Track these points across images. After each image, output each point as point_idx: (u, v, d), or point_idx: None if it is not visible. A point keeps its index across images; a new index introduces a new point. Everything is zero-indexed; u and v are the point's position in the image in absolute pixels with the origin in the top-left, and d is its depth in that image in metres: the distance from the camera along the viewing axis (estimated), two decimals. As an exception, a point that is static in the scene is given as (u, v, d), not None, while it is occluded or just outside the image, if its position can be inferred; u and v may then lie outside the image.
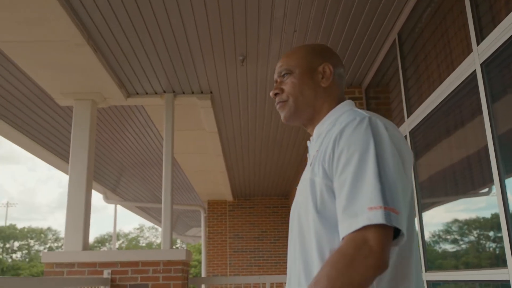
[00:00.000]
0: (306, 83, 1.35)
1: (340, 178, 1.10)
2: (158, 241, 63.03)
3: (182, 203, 12.16)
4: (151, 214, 13.99)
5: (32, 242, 52.40)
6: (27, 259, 49.66)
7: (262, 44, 4.07)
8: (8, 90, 4.91)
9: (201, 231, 11.78)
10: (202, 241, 11.53)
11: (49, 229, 56.90)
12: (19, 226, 56.22)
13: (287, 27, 3.80)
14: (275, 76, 1.42)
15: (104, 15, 3.54)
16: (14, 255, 50.72)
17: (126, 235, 57.44)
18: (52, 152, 7.04)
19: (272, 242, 11.12)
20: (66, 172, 7.95)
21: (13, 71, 4.50)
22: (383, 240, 1.00)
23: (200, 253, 15.05)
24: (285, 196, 11.37)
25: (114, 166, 8.25)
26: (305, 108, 1.35)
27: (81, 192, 4.52)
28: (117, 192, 10.43)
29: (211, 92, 5.04)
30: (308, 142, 1.39)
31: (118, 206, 12.24)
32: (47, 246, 52.65)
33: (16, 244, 51.20)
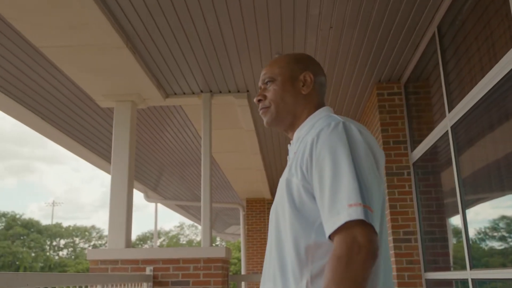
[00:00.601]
0: (287, 91, 1.43)
1: (320, 180, 1.17)
2: (198, 238, 63.80)
3: (221, 201, 12.27)
4: (191, 212, 14.18)
5: (77, 240, 54.04)
6: (72, 256, 51.25)
7: (297, 41, 4.06)
8: (52, 93, 5.07)
9: (240, 229, 11.85)
10: (242, 239, 11.60)
11: (93, 227, 58.52)
12: (65, 224, 58.05)
13: (322, 24, 3.77)
14: (260, 83, 1.50)
15: (142, 18, 3.61)
16: (60, 253, 52.46)
17: (167, 233, 58.50)
18: (95, 152, 7.24)
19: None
20: (108, 172, 8.16)
21: (56, 75, 4.65)
22: (368, 233, 1.08)
23: (239, 250, 15.13)
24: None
25: (154, 166, 8.40)
26: (285, 114, 1.43)
27: (123, 191, 4.63)
28: (158, 191, 10.62)
29: (247, 91, 5.06)
30: (288, 145, 1.47)
31: (159, 205, 12.46)
32: (91, 243, 54.19)
33: (62, 242, 52.95)
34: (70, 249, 53.24)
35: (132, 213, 4.73)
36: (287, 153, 1.96)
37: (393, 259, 4.49)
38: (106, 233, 53.81)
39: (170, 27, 3.76)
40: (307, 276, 1.18)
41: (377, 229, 1.11)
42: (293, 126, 1.44)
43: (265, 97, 1.46)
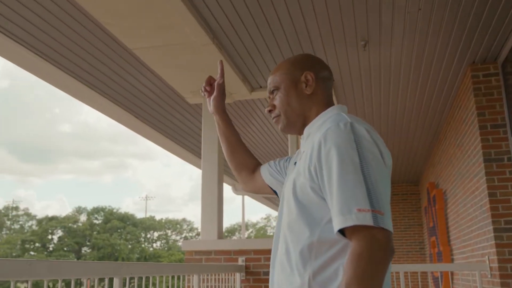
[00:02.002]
0: (291, 95, 1.47)
1: (329, 181, 1.20)
2: (285, 230, 64.09)
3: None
4: (278, 203, 14.29)
5: (169, 232, 56.53)
6: (165, 248, 53.72)
7: (384, 27, 3.93)
8: (144, 93, 5.33)
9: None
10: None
11: (183, 219, 60.88)
12: (157, 217, 60.90)
13: (410, 6, 3.62)
14: (267, 93, 1.56)
15: (227, 14, 3.68)
16: (154, 244, 55.15)
17: (254, 224, 59.54)
18: (184, 147, 7.52)
19: (403, 230, 10.75)
20: (197, 166, 8.44)
21: (147, 75, 4.87)
22: (386, 233, 1.13)
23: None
24: (415, 183, 10.91)
25: (241, 159, 8.54)
26: (296, 118, 1.47)
27: (214, 184, 4.77)
28: (245, 183, 10.79)
29: (333, 81, 4.98)
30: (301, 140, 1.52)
31: (246, 197, 12.69)
32: (183, 235, 56.47)
33: (156, 234, 55.63)
34: (163, 241, 55.82)
35: (223, 206, 4.86)
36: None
37: (493, 249, 4.25)
38: (196, 225, 55.78)
39: (254, 21, 3.80)
40: (310, 271, 1.22)
41: (391, 227, 1.16)
42: (305, 126, 1.47)
43: (274, 106, 1.50)
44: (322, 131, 1.29)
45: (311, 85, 1.46)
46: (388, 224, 1.15)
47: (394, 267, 4.67)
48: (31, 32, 3.90)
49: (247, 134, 7.06)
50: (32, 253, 46.79)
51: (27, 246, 47.92)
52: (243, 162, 1.77)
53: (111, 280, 2.08)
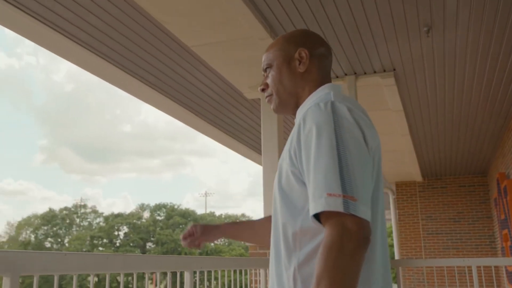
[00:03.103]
0: (284, 73, 1.37)
1: (306, 163, 1.13)
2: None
3: (368, 186, 11.98)
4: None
5: (229, 227, 57.23)
6: (226, 243, 54.50)
7: (449, 11, 3.76)
8: (202, 90, 5.39)
9: (391, 214, 11.50)
10: (393, 224, 11.24)
11: (243, 215, 61.52)
12: (217, 213, 61.85)
13: (477, -14, 3.44)
14: (262, 72, 1.46)
15: (284, 6, 3.64)
16: (215, 240, 56.07)
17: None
18: (243, 143, 7.55)
19: (470, 223, 10.32)
20: (256, 161, 8.47)
21: (204, 72, 4.92)
22: (358, 220, 1.05)
23: (388, 236, 14.72)
24: (483, 173, 10.43)
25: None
26: (288, 97, 1.38)
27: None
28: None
29: (394, 69, 4.84)
30: None
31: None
32: (243, 231, 56.94)
33: (216, 229, 56.52)
34: (224, 236, 56.61)
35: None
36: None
37: None
38: (255, 220, 55.97)
39: (311, 12, 3.74)
40: (295, 263, 1.17)
41: (364, 215, 1.06)
42: (298, 106, 1.38)
43: (266, 85, 1.42)
44: (303, 113, 1.22)
45: (305, 62, 1.36)
46: (362, 211, 1.06)
47: (466, 261, 4.49)
48: (93, 35, 4.03)
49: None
50: (100, 248, 48.89)
51: (96, 242, 50.07)
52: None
53: (182, 274, 2.11)
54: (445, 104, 5.94)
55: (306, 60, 1.36)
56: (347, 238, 1.03)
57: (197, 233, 1.61)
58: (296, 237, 1.18)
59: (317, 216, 1.09)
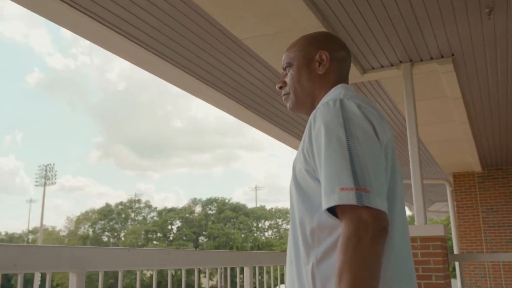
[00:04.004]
0: (303, 74, 1.40)
1: (318, 160, 1.16)
2: (397, 217, 62.14)
3: (424, 177, 11.64)
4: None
5: (279, 221, 57.37)
6: (277, 237, 54.64)
7: (513, -11, 3.54)
8: (252, 82, 5.36)
9: (449, 206, 11.11)
10: (451, 216, 10.87)
11: (293, 208, 61.32)
12: (268, 207, 61.99)
13: (546, -38, 3.21)
14: (281, 70, 1.49)
15: (337, -6, 3.54)
16: (266, 233, 56.34)
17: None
18: (293, 135, 7.48)
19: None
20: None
21: (255, 65, 4.88)
22: (373, 211, 1.07)
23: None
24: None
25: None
26: (304, 98, 1.41)
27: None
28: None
29: (452, 55, 4.63)
30: None
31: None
32: (293, 224, 56.91)
33: (267, 223, 56.75)
34: (274, 229, 56.79)
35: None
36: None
37: None
38: (305, 214, 55.86)
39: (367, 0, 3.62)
40: (313, 259, 1.18)
41: (383, 206, 1.08)
42: (314, 107, 1.40)
43: (284, 83, 1.45)
44: (314, 112, 1.25)
45: (325, 65, 1.39)
46: (377, 203, 1.08)
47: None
48: (147, 32, 4.06)
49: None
50: (154, 242, 50.18)
51: (150, 236, 51.42)
52: None
53: (241, 269, 2.08)
54: (507, 91, 5.64)
55: (326, 62, 1.39)
56: (364, 229, 1.05)
57: None
58: (314, 234, 1.20)
59: (333, 212, 1.12)
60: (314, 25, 3.79)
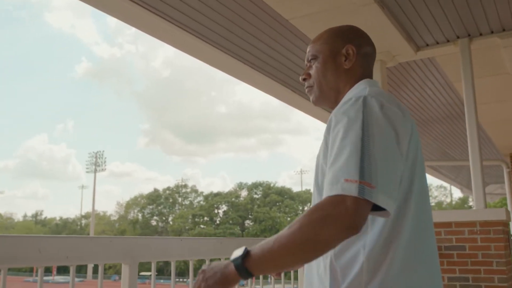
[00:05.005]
0: (328, 67, 1.40)
1: (330, 151, 1.16)
2: (448, 200, 60.72)
3: (478, 159, 11.16)
4: (441, 172, 13.36)
5: (326, 204, 57.26)
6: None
7: None
8: (299, 64, 5.21)
9: (506, 188, 10.64)
10: (508, 199, 10.41)
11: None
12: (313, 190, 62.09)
13: None
14: (305, 61, 1.47)
15: (390, -34, 3.33)
16: (312, 217, 56.45)
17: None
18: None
19: None
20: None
21: (301, 46, 4.72)
22: (359, 205, 1.03)
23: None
24: None
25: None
26: (329, 91, 1.41)
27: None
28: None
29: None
30: None
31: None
32: (340, 208, 56.73)
33: (313, 206, 56.80)
34: (321, 213, 56.77)
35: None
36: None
37: None
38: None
39: (421, -30, 3.39)
40: (331, 253, 1.19)
41: (387, 205, 1.06)
42: (338, 102, 1.38)
43: (309, 75, 1.44)
44: (336, 108, 1.24)
45: (351, 59, 1.39)
46: (380, 199, 1.05)
47: None
48: (192, 16, 3.99)
49: (407, 98, 6.57)
50: (202, 226, 51.09)
51: (197, 220, 52.40)
52: None
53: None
54: None
55: (352, 57, 1.39)
56: (331, 208, 1.03)
57: None
58: None
59: None
60: (365, 2, 3.61)
